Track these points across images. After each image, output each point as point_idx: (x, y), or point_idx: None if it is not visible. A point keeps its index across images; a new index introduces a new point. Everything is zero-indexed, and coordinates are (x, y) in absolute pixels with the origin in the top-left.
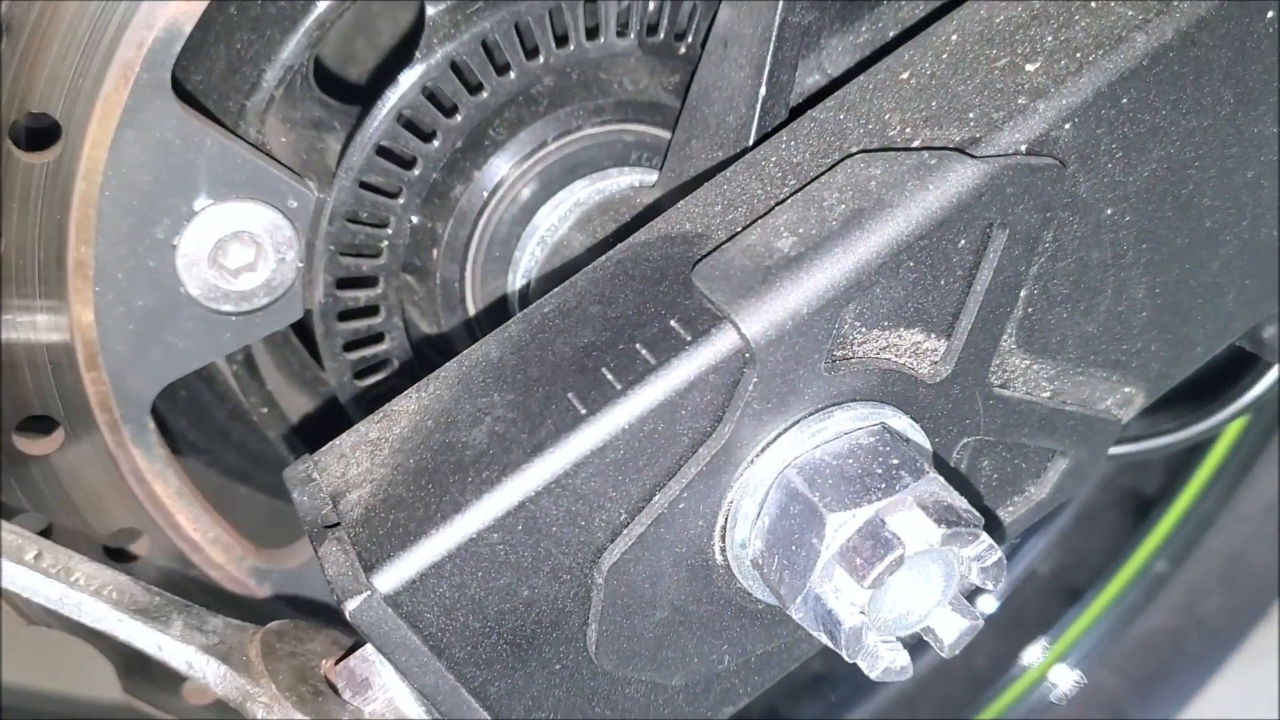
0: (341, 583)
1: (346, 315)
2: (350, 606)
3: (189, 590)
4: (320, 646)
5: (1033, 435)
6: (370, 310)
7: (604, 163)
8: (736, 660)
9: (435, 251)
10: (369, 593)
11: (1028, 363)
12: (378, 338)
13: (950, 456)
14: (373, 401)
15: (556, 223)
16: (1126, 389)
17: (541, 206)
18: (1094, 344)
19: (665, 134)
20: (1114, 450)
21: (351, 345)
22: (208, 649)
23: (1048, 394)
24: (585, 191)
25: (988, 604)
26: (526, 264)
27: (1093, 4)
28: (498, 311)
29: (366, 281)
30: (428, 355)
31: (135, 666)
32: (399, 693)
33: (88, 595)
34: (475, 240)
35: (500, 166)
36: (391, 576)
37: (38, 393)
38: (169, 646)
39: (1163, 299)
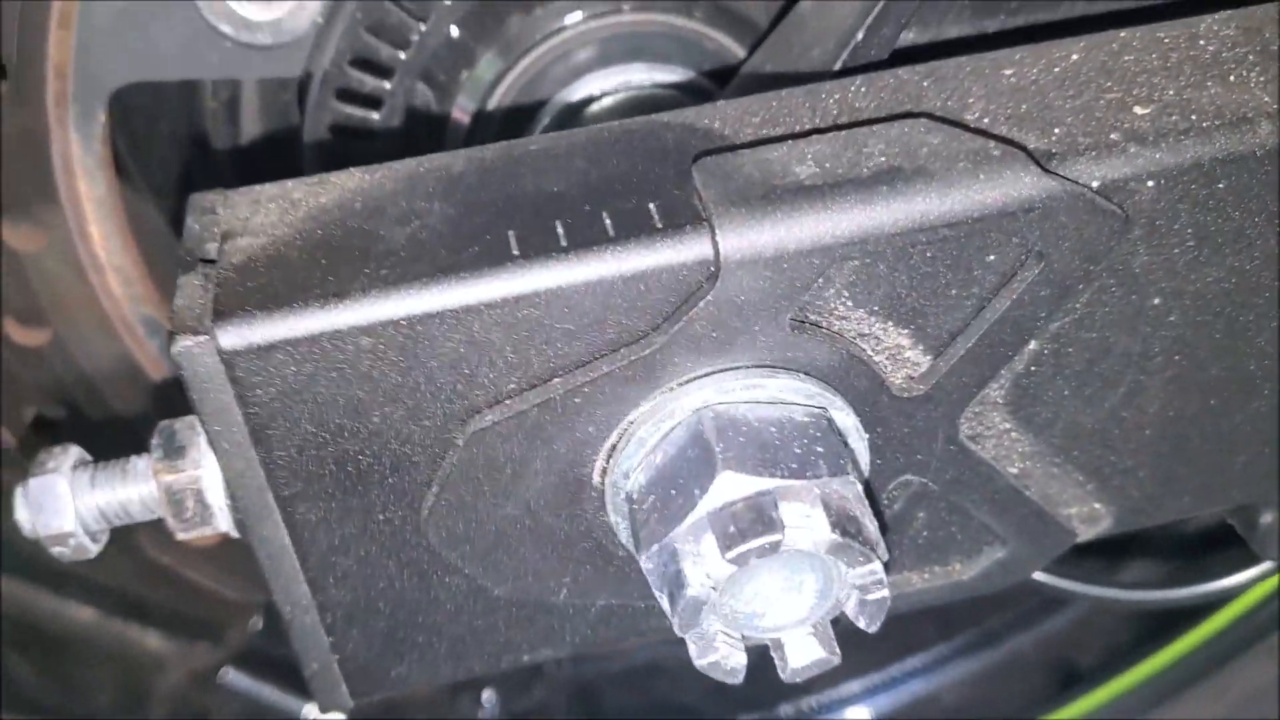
0: (183, 317)
1: (346, 96)
2: (180, 344)
3: (68, 307)
4: None
5: (980, 506)
6: (373, 101)
7: (672, 57)
8: (574, 600)
9: (464, 74)
10: (206, 337)
11: (1008, 427)
12: (369, 134)
13: (886, 487)
14: None
15: (598, 94)
16: (1096, 505)
17: (591, 72)
18: (1083, 440)
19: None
20: (1048, 578)
21: (339, 130)
22: None
23: (1015, 470)
24: (641, 76)
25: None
26: (549, 123)
27: (1232, 78)
28: None
29: (381, 70)
30: None
31: None
32: (209, 474)
33: None
34: (510, 77)
35: (567, 13)
36: (239, 333)
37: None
38: None
39: (1173, 425)
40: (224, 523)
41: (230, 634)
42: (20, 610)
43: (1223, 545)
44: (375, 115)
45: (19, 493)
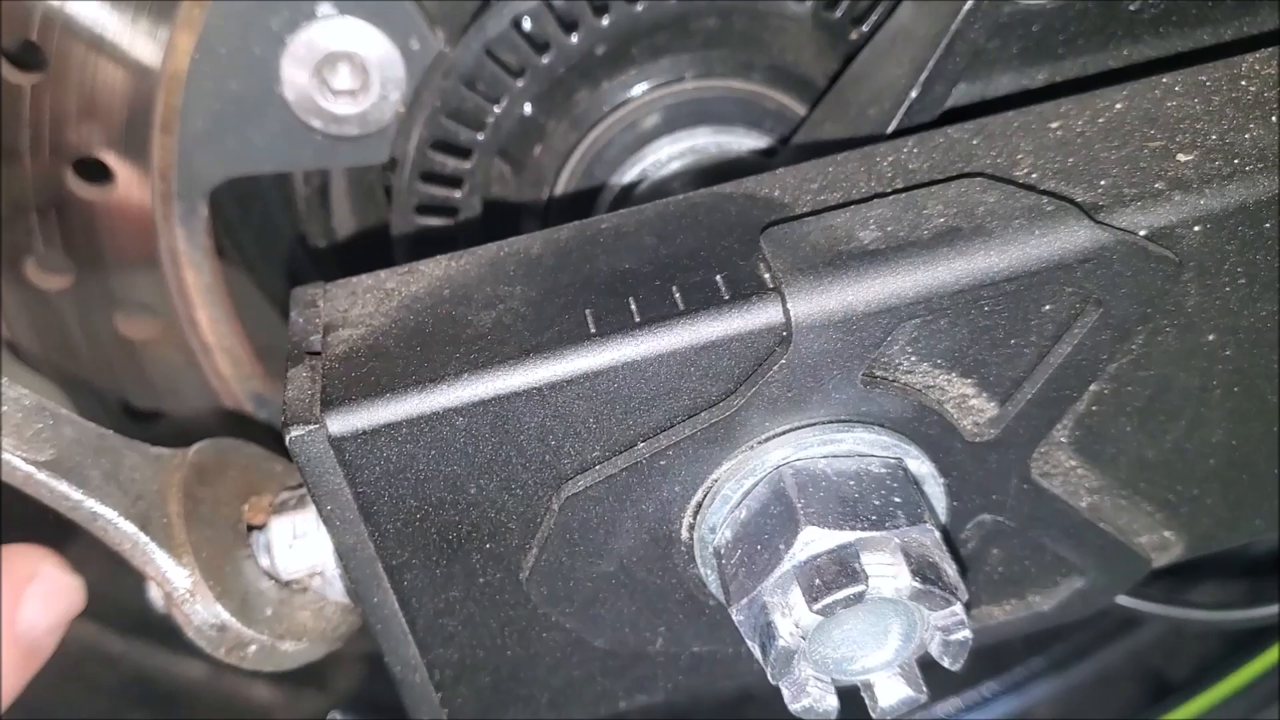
0: (295, 408)
1: (430, 178)
2: (293, 433)
3: (180, 389)
4: (250, 479)
5: (1056, 539)
6: (454, 181)
7: (735, 120)
8: (668, 649)
9: (537, 148)
10: (317, 426)
11: (1075, 464)
12: (452, 211)
13: (962, 528)
14: None
15: (665, 160)
16: (1167, 534)
17: (658, 139)
18: (1149, 473)
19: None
20: (1137, 603)
21: (425, 209)
22: (128, 513)
23: (1085, 504)
24: (705, 140)
25: None
26: (619, 192)
27: (1274, 118)
28: None
29: (460, 151)
30: None
31: None
32: (322, 548)
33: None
34: (580, 150)
35: (632, 85)
36: (346, 420)
37: (107, 131)
38: (81, 506)
39: (1237, 453)
40: (337, 591)
41: (336, 681)
42: (136, 667)
43: None
44: (457, 193)
45: None
